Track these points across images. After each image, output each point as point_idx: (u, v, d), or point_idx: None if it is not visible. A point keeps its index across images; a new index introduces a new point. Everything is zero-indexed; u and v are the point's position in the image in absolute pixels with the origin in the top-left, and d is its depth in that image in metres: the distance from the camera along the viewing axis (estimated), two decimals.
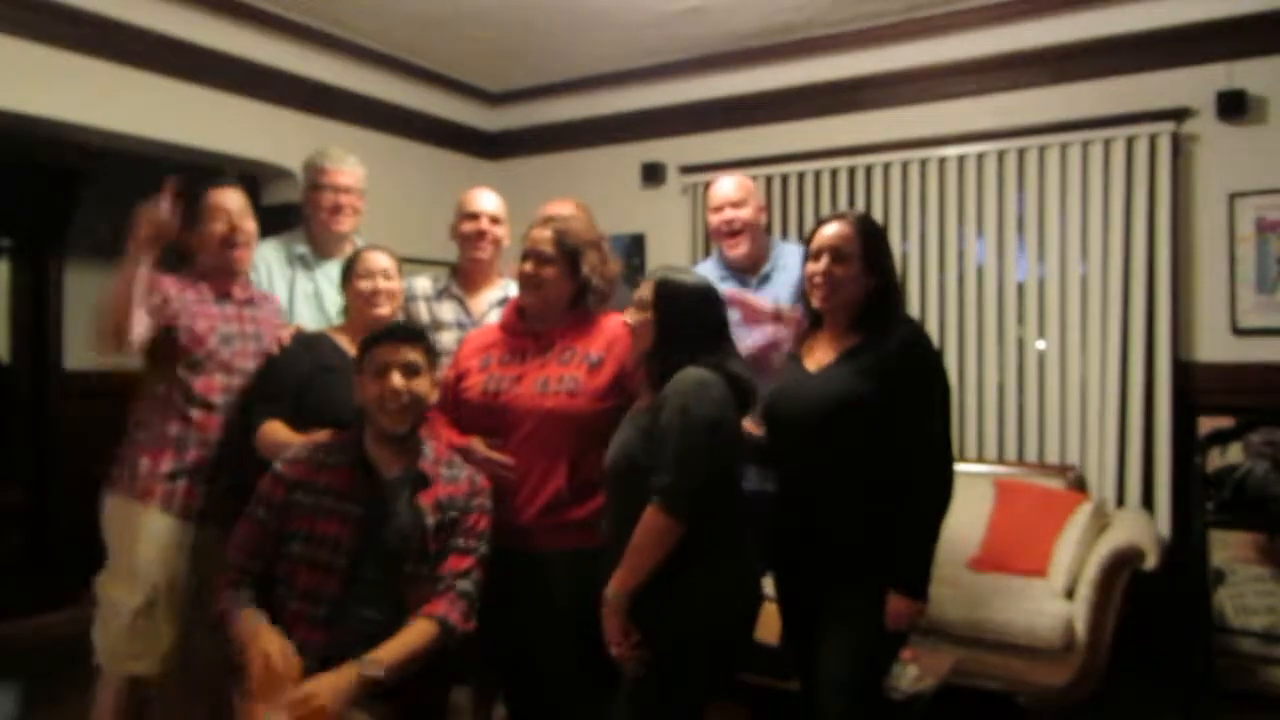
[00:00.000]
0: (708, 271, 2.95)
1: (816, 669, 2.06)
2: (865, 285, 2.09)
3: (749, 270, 2.89)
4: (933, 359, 2.11)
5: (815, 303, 2.13)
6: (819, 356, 2.15)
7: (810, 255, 2.13)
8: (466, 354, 2.45)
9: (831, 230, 2.11)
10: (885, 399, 2.01)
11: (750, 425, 2.16)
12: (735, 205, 2.86)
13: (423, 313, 2.88)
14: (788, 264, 2.86)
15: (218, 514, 2.43)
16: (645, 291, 2.09)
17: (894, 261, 2.19)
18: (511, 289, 2.93)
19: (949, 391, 2.09)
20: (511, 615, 2.25)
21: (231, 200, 2.53)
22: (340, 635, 2.01)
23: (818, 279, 2.09)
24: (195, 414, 2.43)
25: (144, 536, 2.39)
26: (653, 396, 2.04)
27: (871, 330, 2.08)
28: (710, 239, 3.05)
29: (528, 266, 2.34)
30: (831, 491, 2.06)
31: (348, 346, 2.49)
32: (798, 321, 2.51)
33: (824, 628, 2.06)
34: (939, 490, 2.02)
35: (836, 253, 2.08)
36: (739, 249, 2.86)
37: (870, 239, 2.10)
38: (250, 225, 2.57)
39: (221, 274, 2.54)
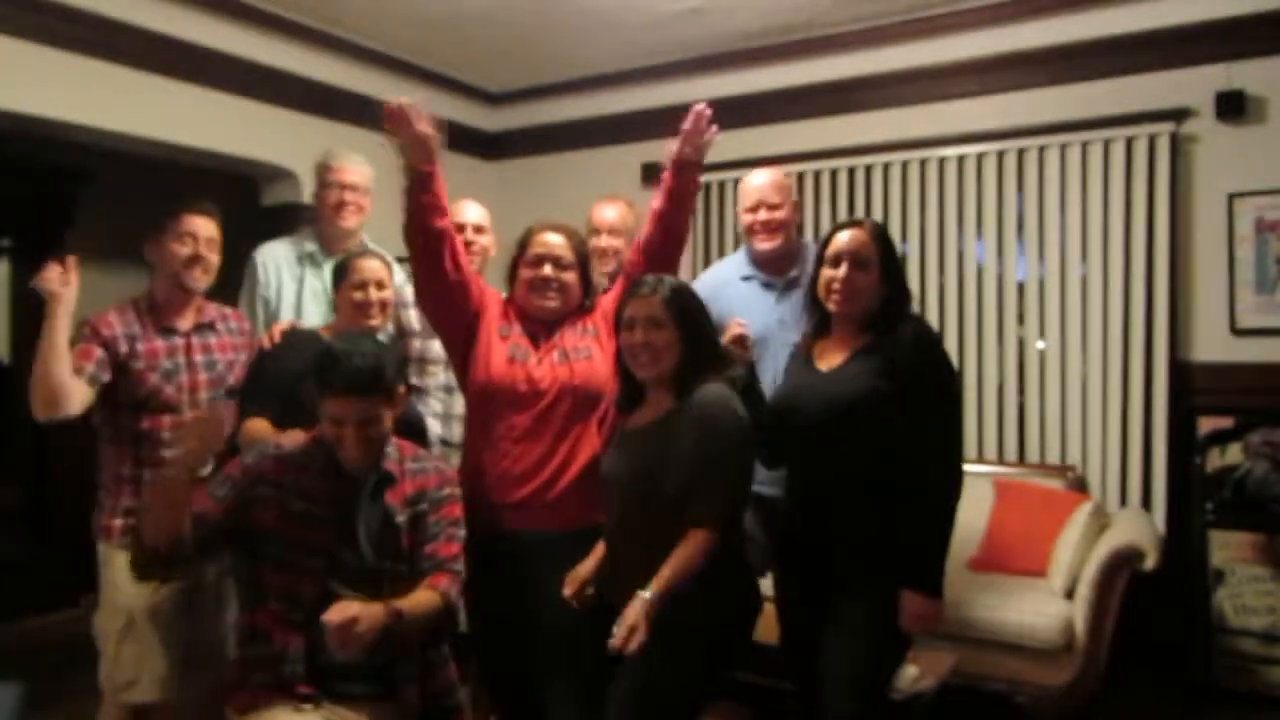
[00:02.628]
0: (732, 268, 2.90)
1: (821, 669, 2.06)
2: (881, 291, 2.11)
3: (775, 271, 2.83)
4: (942, 355, 2.13)
5: (832, 307, 2.14)
6: (830, 358, 2.15)
7: (827, 261, 2.14)
8: (490, 299, 2.42)
9: (849, 236, 2.12)
10: (898, 395, 2.02)
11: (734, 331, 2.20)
12: (771, 207, 2.79)
13: (414, 320, 2.86)
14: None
15: None
16: (653, 309, 2.03)
17: (901, 267, 2.22)
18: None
19: (958, 386, 2.11)
20: (527, 598, 2.22)
21: (203, 228, 2.47)
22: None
23: (837, 284, 2.10)
24: (145, 453, 2.40)
25: (114, 569, 2.38)
26: (666, 407, 2.04)
27: (882, 331, 2.10)
28: (743, 235, 2.99)
29: (547, 270, 2.31)
30: (843, 490, 2.07)
31: None
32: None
33: (831, 628, 2.06)
34: (950, 487, 2.03)
35: (857, 259, 2.09)
36: (773, 243, 2.81)
37: (886, 246, 2.14)
38: (215, 258, 2.50)
39: (170, 305, 2.48)
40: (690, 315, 2.06)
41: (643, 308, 2.04)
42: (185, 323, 2.50)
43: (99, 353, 2.36)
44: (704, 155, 2.34)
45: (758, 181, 2.83)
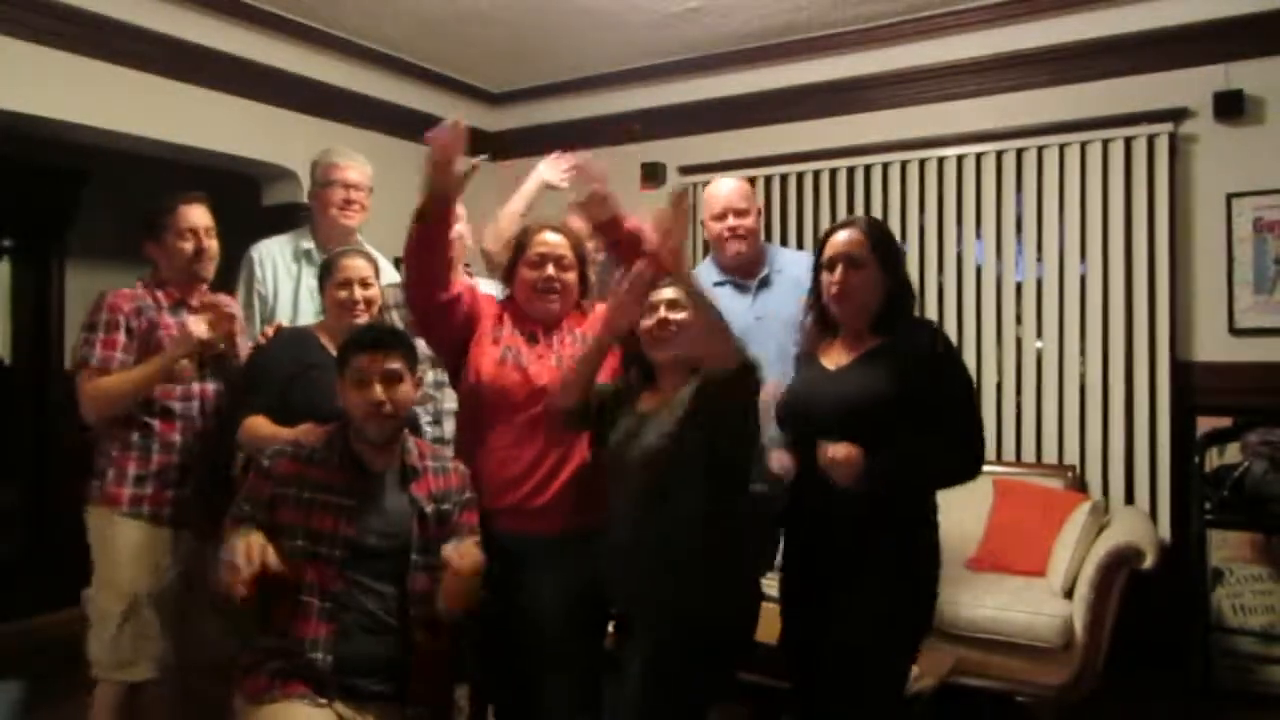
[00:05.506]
0: (702, 275, 2.94)
1: (820, 669, 2.06)
2: (882, 288, 2.10)
3: (746, 274, 2.87)
4: (961, 366, 2.13)
5: (835, 311, 2.14)
6: (836, 356, 2.15)
7: (824, 265, 2.13)
8: (485, 303, 2.41)
9: (843, 237, 2.11)
10: (904, 402, 2.01)
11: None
12: (739, 214, 2.83)
13: (398, 320, 2.83)
14: (784, 268, 2.85)
15: (191, 518, 2.47)
16: (679, 292, 2.07)
17: (904, 260, 2.21)
18: (490, 289, 2.92)
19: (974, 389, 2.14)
20: (519, 602, 2.22)
21: (198, 217, 2.53)
22: (346, 627, 2.02)
23: (834, 288, 2.10)
24: (155, 422, 2.45)
25: (119, 544, 2.41)
26: (673, 392, 2.05)
27: (890, 331, 2.09)
28: (710, 243, 3.01)
29: (550, 271, 2.30)
30: (846, 489, 2.06)
31: (330, 344, 2.47)
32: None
33: (835, 629, 2.04)
34: (969, 465, 2.04)
35: (851, 259, 2.08)
36: (742, 246, 2.84)
37: (881, 241, 2.12)
38: (215, 244, 2.57)
39: (182, 285, 2.55)
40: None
41: None
42: (195, 300, 2.56)
43: (123, 338, 2.42)
44: (609, 209, 2.25)
45: (724, 189, 2.88)
